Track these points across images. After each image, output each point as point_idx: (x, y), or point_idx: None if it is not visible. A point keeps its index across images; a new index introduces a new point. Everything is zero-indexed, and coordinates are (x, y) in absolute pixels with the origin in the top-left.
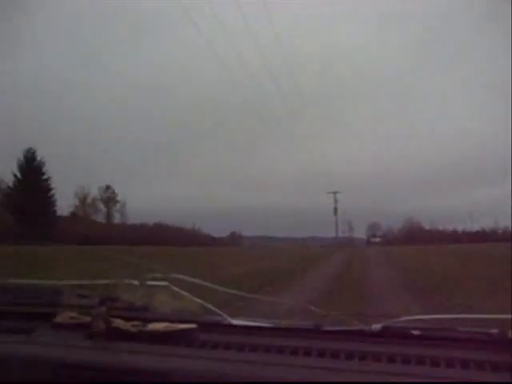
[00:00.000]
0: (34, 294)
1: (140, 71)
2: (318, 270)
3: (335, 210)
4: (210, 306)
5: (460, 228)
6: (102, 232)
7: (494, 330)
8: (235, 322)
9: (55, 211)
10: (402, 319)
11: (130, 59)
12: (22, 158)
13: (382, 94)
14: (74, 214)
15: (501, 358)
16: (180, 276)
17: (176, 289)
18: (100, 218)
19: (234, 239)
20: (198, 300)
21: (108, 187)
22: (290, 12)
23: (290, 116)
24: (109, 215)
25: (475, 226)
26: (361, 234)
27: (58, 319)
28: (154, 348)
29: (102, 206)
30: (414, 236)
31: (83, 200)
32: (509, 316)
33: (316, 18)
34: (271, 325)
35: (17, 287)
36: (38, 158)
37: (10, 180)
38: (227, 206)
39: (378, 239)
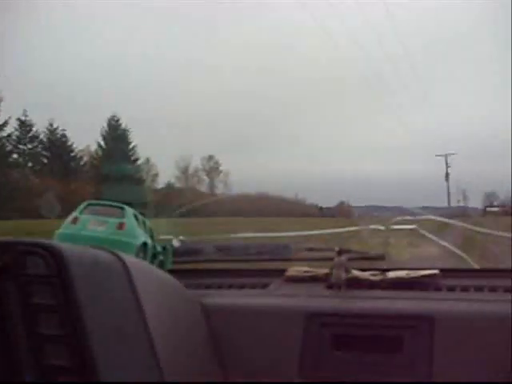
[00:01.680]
0: (262, 249)
1: (248, 46)
2: None
3: (447, 175)
4: (455, 249)
5: None
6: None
7: None
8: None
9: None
10: None
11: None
12: (105, 125)
13: None
14: (169, 185)
15: None
16: (430, 216)
17: (423, 231)
18: (203, 189)
19: (343, 209)
20: (444, 243)
21: (211, 157)
22: None
23: (401, 83)
24: (212, 186)
25: None
26: (477, 203)
27: (291, 273)
28: (401, 293)
29: (205, 177)
30: None
31: (185, 171)
32: None
33: None
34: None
35: (242, 244)
36: (123, 126)
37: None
38: (334, 175)
39: (495, 209)
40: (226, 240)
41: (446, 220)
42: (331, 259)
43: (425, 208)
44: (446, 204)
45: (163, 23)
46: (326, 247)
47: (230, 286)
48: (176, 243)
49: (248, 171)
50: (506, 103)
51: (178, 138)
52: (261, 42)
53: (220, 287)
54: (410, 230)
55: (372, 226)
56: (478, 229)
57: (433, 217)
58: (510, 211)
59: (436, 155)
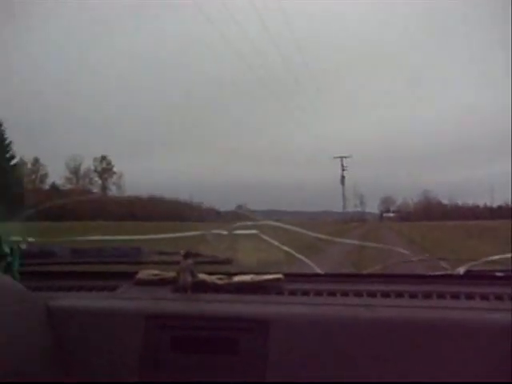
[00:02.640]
0: (115, 252)
1: (144, 46)
2: None
3: (342, 178)
4: (298, 254)
5: (481, 203)
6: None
7: None
8: (323, 271)
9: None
10: (486, 260)
11: (133, 35)
12: None
13: (394, 65)
14: (54, 187)
15: None
16: (271, 222)
17: (265, 237)
18: (95, 191)
19: (241, 213)
20: (287, 248)
21: (103, 158)
22: None
23: (300, 90)
24: (104, 187)
25: (497, 201)
26: (373, 208)
27: (141, 276)
28: (243, 297)
29: (97, 178)
30: (432, 211)
31: (76, 171)
32: None
33: None
34: (360, 272)
35: (96, 247)
36: None
37: None
38: (232, 180)
39: (392, 214)
40: (78, 242)
41: (287, 226)
42: (179, 262)
43: (324, 212)
44: (339, 208)
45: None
46: (175, 251)
47: (80, 289)
48: (23, 245)
49: (145, 174)
50: (404, 109)
51: (70, 138)
52: (163, 51)
53: (70, 290)
54: (252, 234)
55: (215, 231)
56: (320, 236)
57: (273, 222)
58: (406, 216)
59: (333, 157)
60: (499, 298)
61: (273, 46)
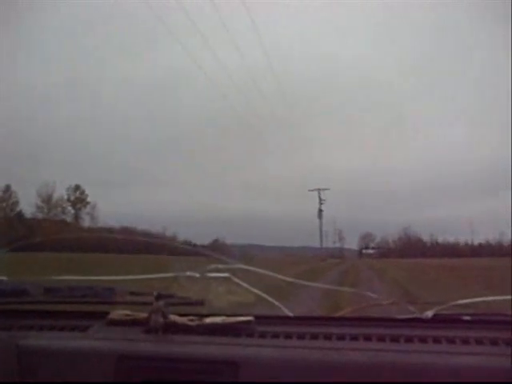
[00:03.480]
0: (87, 291)
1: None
2: None
3: (320, 212)
4: (269, 297)
5: (461, 240)
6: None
7: None
8: (293, 314)
9: None
10: (454, 303)
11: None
12: None
13: (376, 99)
14: (20, 215)
15: None
16: (243, 266)
17: (237, 280)
18: (69, 220)
19: (217, 247)
20: (258, 292)
21: (77, 187)
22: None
23: (277, 125)
24: (77, 217)
25: (477, 239)
26: (353, 245)
27: (113, 316)
28: (214, 339)
29: (69, 207)
30: (412, 248)
31: (48, 200)
32: None
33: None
34: (330, 315)
35: (68, 285)
36: None
37: None
38: (210, 214)
39: (371, 251)
40: (50, 281)
41: (258, 270)
42: (151, 303)
43: (303, 248)
44: (318, 243)
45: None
46: (147, 291)
47: (52, 328)
48: None
49: (120, 205)
50: (386, 146)
51: (42, 166)
52: (140, 84)
53: (41, 329)
54: (224, 278)
55: (188, 273)
56: (288, 279)
57: (244, 266)
58: (386, 253)
59: (308, 190)
60: (465, 341)
61: (252, 82)
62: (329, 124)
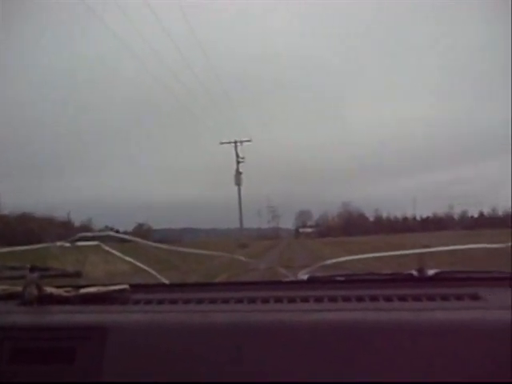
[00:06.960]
0: None
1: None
2: None
3: (238, 175)
4: (141, 264)
5: (404, 215)
6: None
7: (414, 271)
8: (168, 281)
9: None
10: (328, 262)
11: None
12: None
13: (315, 78)
14: None
15: (421, 291)
16: (110, 233)
17: (107, 248)
18: None
19: (142, 232)
20: (129, 259)
21: None
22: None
23: (211, 106)
24: None
25: (421, 213)
26: (289, 224)
27: None
28: (88, 307)
29: None
30: (354, 225)
31: None
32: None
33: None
34: (204, 281)
35: None
36: None
37: None
38: (143, 199)
39: (309, 229)
40: None
41: (126, 236)
42: (25, 277)
43: (238, 229)
44: (256, 223)
45: None
46: (21, 265)
47: None
48: None
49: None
50: (323, 121)
51: None
52: (71, 70)
53: None
54: (95, 246)
55: (58, 243)
56: (160, 245)
57: (112, 233)
58: (326, 232)
59: (221, 143)
60: (332, 299)
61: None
62: (265, 102)
